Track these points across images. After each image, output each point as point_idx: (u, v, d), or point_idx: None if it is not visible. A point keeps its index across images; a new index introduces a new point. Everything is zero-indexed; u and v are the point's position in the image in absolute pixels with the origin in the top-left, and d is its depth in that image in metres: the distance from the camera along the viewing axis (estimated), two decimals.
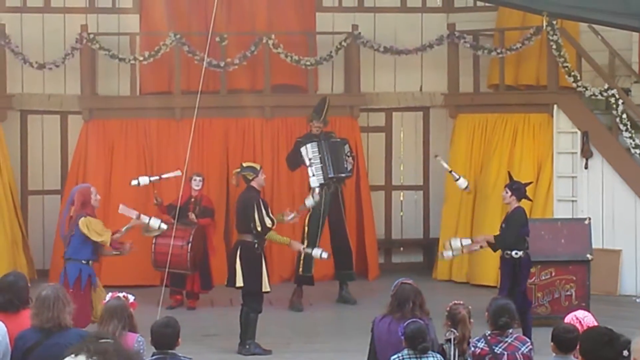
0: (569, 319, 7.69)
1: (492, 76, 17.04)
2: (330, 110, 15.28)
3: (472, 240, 12.92)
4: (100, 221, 11.76)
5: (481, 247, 12.71)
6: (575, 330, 7.24)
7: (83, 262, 11.55)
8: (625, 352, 5.19)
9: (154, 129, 16.39)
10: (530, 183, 13.28)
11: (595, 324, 7.63)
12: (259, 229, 12.17)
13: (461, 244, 12.73)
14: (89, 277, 11.53)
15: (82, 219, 11.51)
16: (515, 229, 12.17)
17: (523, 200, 12.47)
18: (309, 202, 13.87)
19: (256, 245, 12.21)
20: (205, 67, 14.43)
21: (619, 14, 11.81)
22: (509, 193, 12.34)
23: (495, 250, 12.44)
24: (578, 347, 5.21)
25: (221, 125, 16.45)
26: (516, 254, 12.14)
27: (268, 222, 12.23)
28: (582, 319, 7.59)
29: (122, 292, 8.22)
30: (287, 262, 15.79)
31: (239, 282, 12.19)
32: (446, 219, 16.67)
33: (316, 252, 13.10)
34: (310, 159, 14.51)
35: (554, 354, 7.24)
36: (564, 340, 7.14)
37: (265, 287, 12.23)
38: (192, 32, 16.82)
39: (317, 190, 14.13)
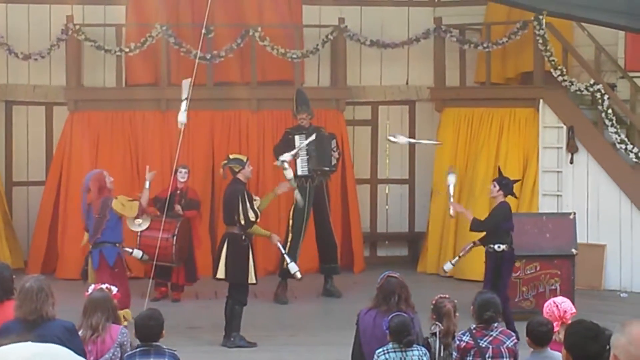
0: (547, 305, 7.87)
1: (479, 73, 17.05)
2: (316, 103, 15.28)
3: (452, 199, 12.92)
4: (125, 197, 11.95)
5: (473, 244, 12.72)
6: (549, 322, 7.30)
7: (117, 245, 11.62)
8: (609, 346, 5.20)
9: (139, 120, 16.35)
10: (519, 180, 13.31)
11: (573, 308, 7.80)
12: (243, 222, 12.16)
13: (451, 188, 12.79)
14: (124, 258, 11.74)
15: (114, 200, 11.62)
16: (495, 220, 12.24)
17: (509, 197, 12.52)
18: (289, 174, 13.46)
19: (243, 237, 12.20)
20: (192, 58, 14.40)
21: (621, 13, 11.76)
22: (497, 187, 12.38)
23: (470, 230, 12.52)
24: (563, 341, 5.20)
25: (207, 117, 16.42)
26: (499, 247, 12.20)
27: (251, 216, 12.20)
28: (559, 304, 7.81)
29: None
30: (271, 255, 15.77)
31: (220, 274, 12.19)
32: (434, 214, 16.69)
33: (293, 267, 12.97)
34: (297, 150, 14.50)
35: (530, 349, 7.28)
36: (538, 333, 7.19)
37: (251, 279, 12.22)
38: (179, 23, 16.79)
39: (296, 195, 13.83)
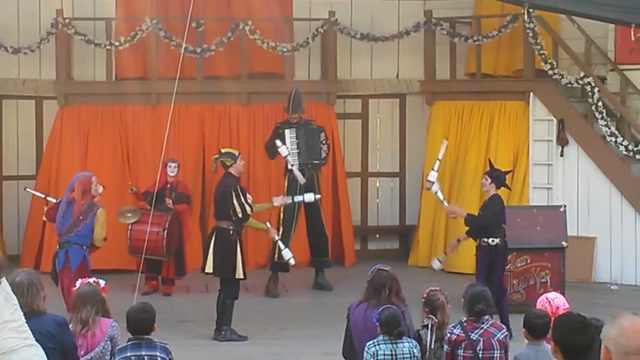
0: (540, 300, 7.83)
1: (469, 65, 17.05)
2: (306, 96, 15.29)
3: (446, 203, 12.94)
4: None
5: (457, 241, 12.72)
6: (546, 315, 7.29)
7: (84, 247, 11.52)
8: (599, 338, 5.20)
9: (129, 114, 16.32)
10: (510, 171, 13.31)
11: (566, 304, 7.76)
12: (240, 215, 12.15)
13: (439, 194, 12.79)
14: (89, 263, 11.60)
15: (101, 209, 11.46)
16: (490, 214, 12.20)
17: (502, 188, 12.51)
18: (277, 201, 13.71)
19: (232, 232, 12.19)
20: (182, 52, 14.39)
21: (610, 6, 11.73)
22: (489, 180, 12.32)
23: (466, 225, 12.45)
24: (551, 334, 5.21)
25: (197, 111, 16.41)
26: (493, 241, 12.16)
27: (248, 209, 12.22)
28: (552, 299, 7.74)
29: (93, 277, 8.23)
30: (262, 249, 15.78)
31: (208, 268, 12.20)
32: (424, 207, 16.70)
33: (287, 253, 12.99)
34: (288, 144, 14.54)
35: (526, 341, 7.28)
36: (535, 326, 7.20)
37: (239, 274, 12.19)
38: (169, 17, 16.76)
39: (295, 171, 14.07)
